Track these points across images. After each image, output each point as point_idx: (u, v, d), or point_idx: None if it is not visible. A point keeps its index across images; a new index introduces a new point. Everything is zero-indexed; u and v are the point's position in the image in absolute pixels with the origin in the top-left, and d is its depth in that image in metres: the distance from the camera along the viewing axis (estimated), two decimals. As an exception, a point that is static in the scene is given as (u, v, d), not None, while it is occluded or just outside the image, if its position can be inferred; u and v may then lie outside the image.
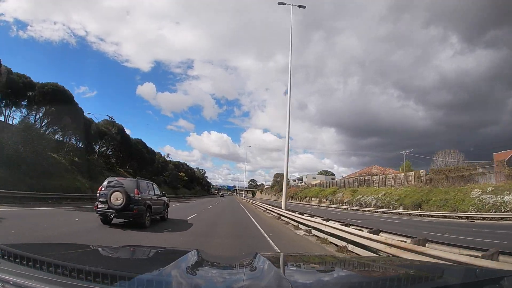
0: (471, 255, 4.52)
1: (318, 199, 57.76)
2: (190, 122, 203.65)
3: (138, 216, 9.84)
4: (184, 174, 72.42)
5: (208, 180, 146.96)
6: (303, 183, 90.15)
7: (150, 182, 12.25)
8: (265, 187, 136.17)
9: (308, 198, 64.43)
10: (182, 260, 1.88)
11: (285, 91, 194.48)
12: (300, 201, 67.79)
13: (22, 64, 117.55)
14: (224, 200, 57.07)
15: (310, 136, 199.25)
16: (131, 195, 9.71)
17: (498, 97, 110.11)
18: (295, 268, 2.18)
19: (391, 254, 5.32)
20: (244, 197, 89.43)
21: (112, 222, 10.29)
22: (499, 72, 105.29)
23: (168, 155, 73.72)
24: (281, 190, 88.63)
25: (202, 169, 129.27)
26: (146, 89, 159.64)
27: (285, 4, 21.85)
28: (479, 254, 5.11)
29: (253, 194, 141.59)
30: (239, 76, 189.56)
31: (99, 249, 2.46)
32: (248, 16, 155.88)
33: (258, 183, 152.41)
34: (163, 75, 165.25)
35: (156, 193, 11.90)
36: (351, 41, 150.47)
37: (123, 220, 10.38)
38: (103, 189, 10.07)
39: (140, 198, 9.92)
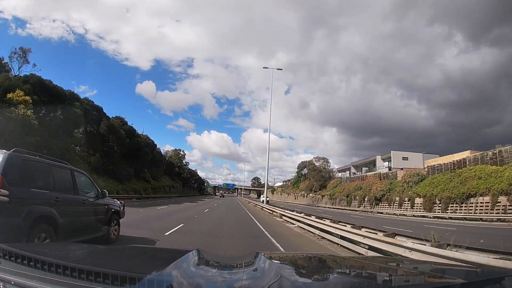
0: None
1: None
2: (190, 122, 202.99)
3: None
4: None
5: (208, 179, 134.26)
6: (383, 170, 45.97)
7: (68, 166, 6.06)
8: (276, 185, 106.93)
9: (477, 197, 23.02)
10: (183, 260, 1.88)
11: (285, 90, 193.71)
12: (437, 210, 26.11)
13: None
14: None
15: (312, 135, 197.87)
16: None
17: (502, 96, 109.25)
18: (295, 268, 2.18)
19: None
20: (266, 200, 36.51)
21: None
22: (504, 70, 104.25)
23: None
24: (323, 187, 56.81)
25: (180, 149, 79.73)
26: (146, 88, 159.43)
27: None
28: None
29: (259, 195, 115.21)
30: (240, 75, 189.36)
31: (100, 249, 2.47)
32: (249, 14, 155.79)
33: (261, 182, 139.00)
34: (163, 74, 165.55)
35: (78, 190, 6.01)
36: (354, 39, 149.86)
37: None
38: None
39: (7, 199, 4.41)
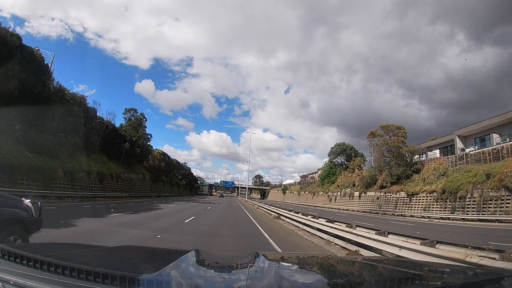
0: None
1: None
2: (190, 121, 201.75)
3: None
4: None
5: (207, 179, 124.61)
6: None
7: None
8: (286, 182, 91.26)
9: None
10: (182, 260, 1.88)
11: (285, 90, 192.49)
12: None
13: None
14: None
15: (312, 135, 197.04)
16: None
17: (504, 96, 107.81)
18: (295, 268, 2.18)
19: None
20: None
21: None
22: (507, 70, 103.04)
23: None
24: (402, 178, 28.68)
25: (134, 109, 49.27)
26: (145, 87, 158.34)
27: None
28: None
29: (264, 195, 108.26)
30: (239, 74, 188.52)
31: (99, 249, 2.47)
32: (249, 12, 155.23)
33: (263, 180, 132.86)
34: (162, 73, 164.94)
35: None
36: (355, 38, 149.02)
37: None
38: None
39: None
